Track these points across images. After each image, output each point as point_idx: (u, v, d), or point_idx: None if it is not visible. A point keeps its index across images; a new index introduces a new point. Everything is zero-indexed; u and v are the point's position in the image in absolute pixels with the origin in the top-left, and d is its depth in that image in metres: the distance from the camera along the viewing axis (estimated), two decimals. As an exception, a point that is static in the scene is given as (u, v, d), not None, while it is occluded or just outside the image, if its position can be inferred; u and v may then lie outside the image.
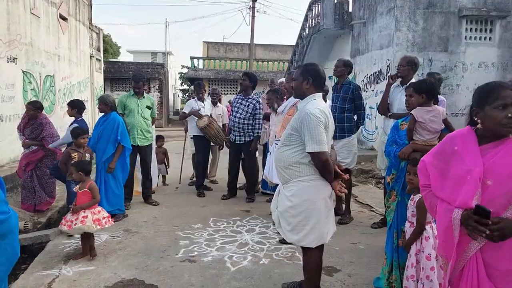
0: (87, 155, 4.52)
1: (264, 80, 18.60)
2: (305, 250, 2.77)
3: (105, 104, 4.90)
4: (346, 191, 2.77)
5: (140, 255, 3.76)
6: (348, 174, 3.42)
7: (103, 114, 5.00)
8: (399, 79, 4.46)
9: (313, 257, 2.75)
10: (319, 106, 2.67)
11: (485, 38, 8.91)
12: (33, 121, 4.99)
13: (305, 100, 2.77)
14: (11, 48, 7.15)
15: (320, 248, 2.77)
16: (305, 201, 2.64)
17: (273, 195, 5.96)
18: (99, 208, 3.75)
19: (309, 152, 2.59)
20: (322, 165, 2.61)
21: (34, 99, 7.92)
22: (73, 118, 5.06)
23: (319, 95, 2.78)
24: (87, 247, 3.69)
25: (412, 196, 2.70)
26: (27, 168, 4.97)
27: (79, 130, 4.55)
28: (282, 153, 2.74)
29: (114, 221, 4.66)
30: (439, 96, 4.50)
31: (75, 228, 3.55)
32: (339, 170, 2.71)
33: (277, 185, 4.93)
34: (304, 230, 2.66)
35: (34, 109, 5.01)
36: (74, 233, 3.72)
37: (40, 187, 5.03)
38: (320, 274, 2.85)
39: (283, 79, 6.33)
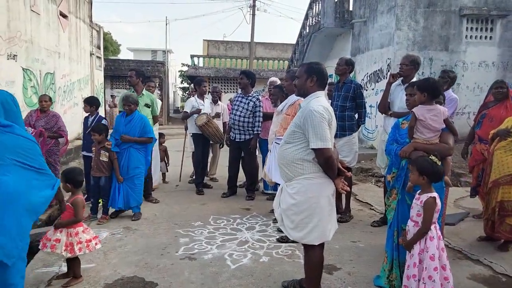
0: (102, 152, 4.57)
1: (265, 78, 18.58)
2: (307, 247, 2.77)
3: (136, 104, 4.91)
4: (348, 188, 2.78)
5: (140, 252, 3.76)
6: (349, 172, 3.43)
7: (121, 112, 5.02)
8: (400, 78, 4.46)
9: (315, 254, 2.75)
10: (322, 103, 2.69)
11: (485, 37, 8.91)
12: (44, 113, 5.11)
13: (308, 98, 2.78)
14: (11, 45, 7.14)
15: (322, 245, 2.77)
16: (309, 199, 2.65)
17: (273, 194, 6.00)
18: (80, 229, 3.15)
19: (313, 149, 2.60)
20: (326, 162, 2.61)
21: (34, 96, 7.93)
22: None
23: (321, 93, 2.80)
24: (72, 270, 3.18)
25: (417, 195, 2.70)
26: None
27: (93, 127, 4.79)
28: (285, 151, 2.75)
29: (134, 219, 4.71)
30: (452, 94, 4.51)
31: (46, 251, 3.10)
32: (342, 168, 2.73)
33: (277, 184, 4.97)
34: (307, 227, 2.67)
35: (50, 99, 5.27)
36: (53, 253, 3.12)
37: None
38: (321, 272, 2.86)
39: (274, 78, 6.31)
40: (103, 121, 5.27)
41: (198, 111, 6.19)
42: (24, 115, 5.19)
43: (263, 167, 5.79)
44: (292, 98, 4.44)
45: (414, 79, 4.22)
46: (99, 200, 5.38)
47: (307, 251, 2.80)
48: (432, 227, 2.62)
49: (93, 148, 4.73)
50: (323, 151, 2.58)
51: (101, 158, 4.60)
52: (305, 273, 2.85)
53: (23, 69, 7.65)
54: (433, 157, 2.68)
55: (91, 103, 5.40)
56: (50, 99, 5.28)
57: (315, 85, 2.77)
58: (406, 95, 3.51)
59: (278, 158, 2.85)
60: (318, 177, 2.67)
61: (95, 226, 4.51)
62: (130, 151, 4.77)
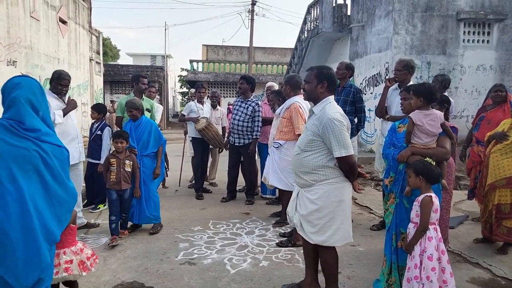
0: (127, 162, 4.17)
1: (264, 83, 18.64)
2: (323, 249, 2.83)
3: (137, 109, 4.58)
4: (364, 189, 2.83)
5: (140, 257, 3.77)
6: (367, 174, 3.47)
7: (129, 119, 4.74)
8: (397, 82, 4.49)
9: (332, 255, 2.83)
10: (338, 109, 2.74)
11: (483, 41, 8.97)
12: None
13: (320, 104, 2.80)
14: (10, 52, 7.17)
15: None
16: (332, 203, 2.70)
17: (271, 198, 6.02)
18: (79, 245, 2.79)
19: (337, 157, 2.64)
20: (350, 168, 2.69)
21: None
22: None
23: (332, 98, 2.84)
24: None
25: (417, 198, 2.73)
26: None
27: (115, 133, 4.30)
28: (303, 159, 2.77)
29: (152, 232, 4.43)
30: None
31: (58, 278, 2.64)
32: (361, 171, 2.80)
33: (276, 188, 4.97)
34: (330, 230, 2.72)
35: None
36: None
37: None
38: (338, 265, 2.93)
39: (271, 83, 6.34)
40: (107, 128, 5.29)
41: (194, 119, 6.23)
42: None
43: (262, 172, 5.81)
44: (288, 101, 4.48)
45: (411, 83, 4.25)
46: (99, 206, 5.39)
47: (323, 253, 2.85)
48: (432, 228, 2.64)
49: (113, 160, 4.15)
50: (347, 159, 2.64)
51: (126, 169, 4.19)
52: (325, 271, 2.90)
53: (22, 75, 7.68)
54: (427, 158, 2.74)
55: (99, 110, 5.44)
56: None
57: (325, 90, 2.80)
58: (400, 99, 3.54)
59: (295, 166, 2.86)
60: (339, 181, 2.73)
61: (94, 231, 4.52)
62: (143, 161, 4.45)
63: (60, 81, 4.25)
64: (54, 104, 4.14)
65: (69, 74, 4.40)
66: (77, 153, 4.48)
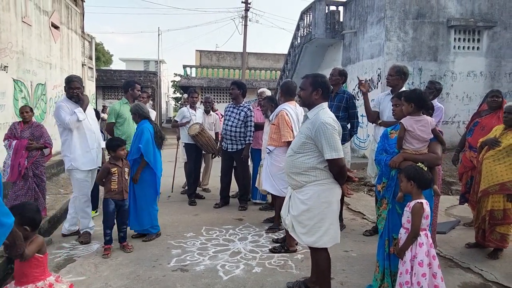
0: (126, 170, 4.12)
1: (257, 88, 18.69)
2: (315, 252, 2.91)
3: (132, 113, 4.61)
4: (353, 193, 2.89)
5: (132, 264, 3.73)
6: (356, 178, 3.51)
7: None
8: (390, 88, 4.53)
9: (324, 257, 2.89)
10: (330, 115, 2.86)
11: (473, 48, 9.10)
12: (27, 124, 5.10)
13: (314, 110, 2.91)
14: (2, 57, 7.11)
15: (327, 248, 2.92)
16: (321, 204, 2.78)
17: (262, 203, 6.03)
18: (51, 279, 2.39)
19: (327, 159, 2.73)
20: (340, 170, 2.78)
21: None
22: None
23: (326, 104, 2.96)
24: None
25: (408, 203, 2.75)
26: (22, 169, 4.89)
27: (118, 142, 4.12)
28: (295, 160, 2.87)
29: (146, 240, 4.38)
30: (437, 103, 4.59)
31: None
32: (351, 175, 2.90)
33: (268, 193, 4.97)
34: (320, 231, 2.80)
35: (31, 109, 5.18)
36: None
37: (41, 193, 5.03)
38: (330, 271, 2.96)
39: (263, 89, 6.37)
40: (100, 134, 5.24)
41: (185, 124, 6.24)
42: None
43: (254, 177, 5.82)
44: (278, 108, 4.53)
45: (404, 89, 4.29)
46: (92, 211, 5.33)
47: (314, 255, 2.93)
48: (423, 234, 2.66)
49: (114, 169, 4.01)
50: (337, 161, 2.73)
51: (126, 177, 4.11)
52: (317, 274, 2.96)
53: (14, 80, 7.61)
54: (419, 164, 2.78)
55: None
56: (31, 109, 5.21)
57: (320, 97, 2.93)
58: (392, 105, 3.57)
59: (288, 167, 2.95)
60: (329, 183, 2.81)
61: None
62: (134, 171, 4.39)
63: (70, 85, 4.35)
64: (70, 107, 4.31)
65: (79, 77, 4.50)
66: (97, 158, 4.55)
